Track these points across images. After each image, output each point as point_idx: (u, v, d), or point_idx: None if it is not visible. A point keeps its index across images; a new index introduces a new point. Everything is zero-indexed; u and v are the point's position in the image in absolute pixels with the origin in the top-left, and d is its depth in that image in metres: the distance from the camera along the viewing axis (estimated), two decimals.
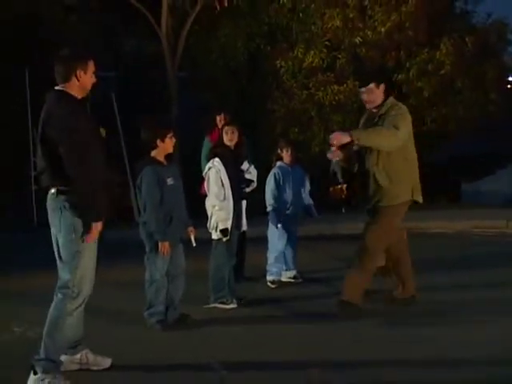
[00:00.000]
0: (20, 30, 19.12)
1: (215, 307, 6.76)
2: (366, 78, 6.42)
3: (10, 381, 4.57)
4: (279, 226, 7.85)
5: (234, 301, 6.75)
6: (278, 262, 7.93)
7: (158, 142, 5.90)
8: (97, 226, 4.49)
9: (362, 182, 6.25)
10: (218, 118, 8.30)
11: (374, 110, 6.26)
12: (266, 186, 8.02)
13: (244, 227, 7.37)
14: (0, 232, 16.85)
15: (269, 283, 7.83)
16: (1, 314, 6.89)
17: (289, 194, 7.97)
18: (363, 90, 6.26)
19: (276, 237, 7.95)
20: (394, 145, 6.00)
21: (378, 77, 6.42)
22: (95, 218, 4.46)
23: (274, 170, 8.03)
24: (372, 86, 6.16)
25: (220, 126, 7.79)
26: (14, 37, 19.00)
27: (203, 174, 7.04)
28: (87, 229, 4.41)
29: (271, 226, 7.99)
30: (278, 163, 8.07)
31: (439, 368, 4.60)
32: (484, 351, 4.89)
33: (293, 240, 8.08)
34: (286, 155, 8.04)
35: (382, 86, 6.17)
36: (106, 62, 18.44)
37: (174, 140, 5.93)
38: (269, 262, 7.96)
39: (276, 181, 7.93)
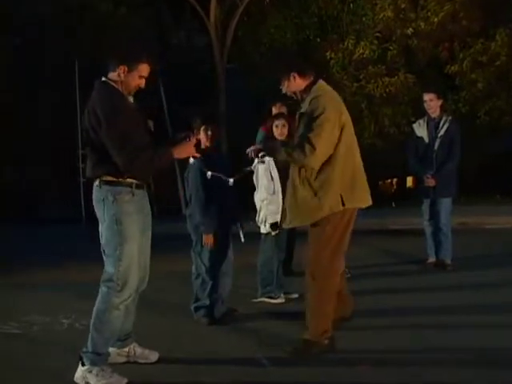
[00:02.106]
0: (69, 24, 19.45)
1: (263, 301, 6.75)
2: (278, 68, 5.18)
3: (60, 371, 4.59)
4: None
5: (282, 295, 6.72)
6: None
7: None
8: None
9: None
10: (273, 109, 8.07)
11: (295, 95, 5.12)
12: None
13: None
14: (49, 225, 17.19)
15: None
16: (50, 306, 6.96)
17: None
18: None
19: None
20: (313, 165, 4.86)
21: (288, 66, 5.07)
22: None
23: None
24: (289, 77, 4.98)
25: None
26: (64, 30, 19.32)
27: (252, 166, 6.98)
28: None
29: None
30: None
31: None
32: None
33: None
34: None
35: (295, 75, 4.97)
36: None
37: (209, 133, 5.85)
38: None
39: None
